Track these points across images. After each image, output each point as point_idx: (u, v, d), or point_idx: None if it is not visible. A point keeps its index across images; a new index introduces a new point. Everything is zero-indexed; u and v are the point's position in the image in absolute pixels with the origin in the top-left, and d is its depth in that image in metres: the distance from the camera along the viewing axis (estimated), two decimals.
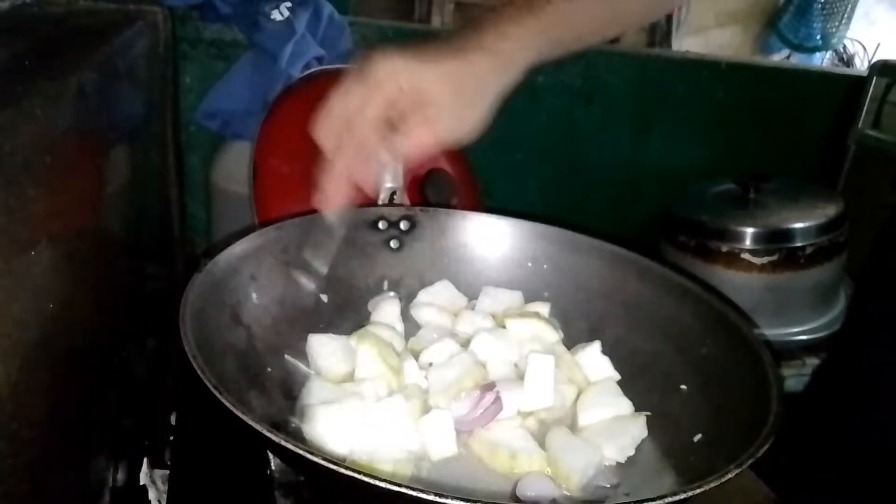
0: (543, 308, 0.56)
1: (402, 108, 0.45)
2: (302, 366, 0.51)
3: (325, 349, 0.49)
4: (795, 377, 0.97)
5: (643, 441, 0.47)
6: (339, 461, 0.33)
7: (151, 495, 0.52)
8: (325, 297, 0.56)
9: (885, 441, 0.60)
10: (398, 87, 0.45)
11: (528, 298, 0.59)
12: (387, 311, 0.55)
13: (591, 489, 0.43)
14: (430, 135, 0.46)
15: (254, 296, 0.51)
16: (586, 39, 0.54)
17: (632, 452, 0.46)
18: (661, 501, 0.33)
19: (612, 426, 0.47)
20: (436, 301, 0.57)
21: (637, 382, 0.52)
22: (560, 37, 0.50)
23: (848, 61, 2.09)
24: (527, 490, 0.42)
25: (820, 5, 1.94)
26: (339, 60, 0.90)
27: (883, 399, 0.60)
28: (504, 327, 0.54)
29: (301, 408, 0.46)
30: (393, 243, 0.60)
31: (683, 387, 0.49)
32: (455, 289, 0.59)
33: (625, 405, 0.49)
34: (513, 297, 0.58)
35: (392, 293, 0.58)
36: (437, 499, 0.31)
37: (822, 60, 2.08)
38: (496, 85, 0.47)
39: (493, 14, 0.48)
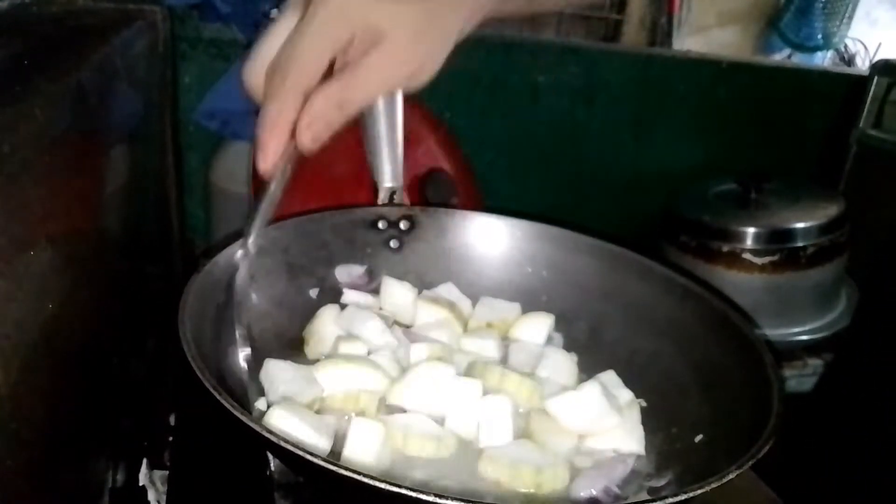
0: (546, 319, 0.56)
1: (351, 47, 0.40)
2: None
3: (283, 375, 0.47)
4: (797, 377, 0.97)
5: (644, 442, 0.47)
6: (338, 462, 0.33)
7: (151, 496, 0.52)
8: (323, 298, 0.56)
9: (888, 443, 0.60)
10: (347, 21, 0.39)
11: (528, 299, 0.59)
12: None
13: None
14: (381, 77, 0.41)
15: (253, 296, 0.51)
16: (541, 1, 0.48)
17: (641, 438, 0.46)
18: (661, 502, 0.33)
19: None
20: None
21: (637, 383, 0.51)
22: None
23: (849, 61, 2.08)
24: (580, 490, 0.42)
25: (821, 5, 1.94)
26: None
27: (888, 402, 0.60)
28: (505, 338, 0.55)
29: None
30: (393, 243, 0.60)
31: (684, 387, 0.49)
32: (459, 291, 0.59)
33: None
34: (510, 308, 0.57)
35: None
36: (437, 499, 0.31)
37: (824, 60, 2.07)
38: (451, 25, 0.42)
39: None
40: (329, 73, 0.40)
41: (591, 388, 0.46)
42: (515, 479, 0.42)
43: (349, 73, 0.40)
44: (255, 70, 0.41)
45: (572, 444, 0.46)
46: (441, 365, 0.47)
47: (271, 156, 0.41)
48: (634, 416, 0.48)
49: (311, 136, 0.41)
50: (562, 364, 0.52)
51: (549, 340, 0.56)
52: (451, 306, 0.56)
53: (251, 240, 0.44)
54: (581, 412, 0.46)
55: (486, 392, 0.46)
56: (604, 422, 0.46)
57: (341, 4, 0.39)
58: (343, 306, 0.55)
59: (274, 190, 0.43)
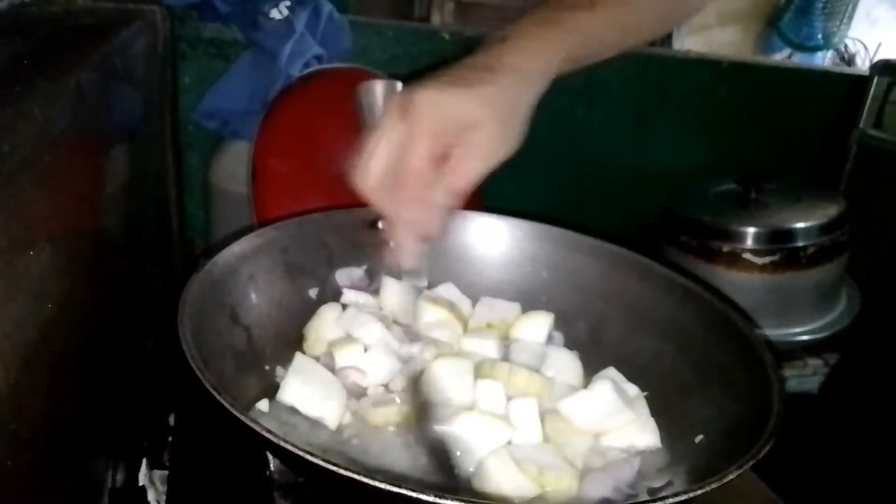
0: (545, 318, 0.56)
1: (448, 140, 0.44)
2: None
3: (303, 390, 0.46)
4: (797, 378, 0.96)
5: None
6: (337, 462, 0.33)
7: (150, 496, 0.52)
8: (323, 298, 0.56)
9: (889, 444, 0.59)
10: (441, 120, 0.44)
11: (529, 299, 0.58)
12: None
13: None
14: (478, 162, 0.45)
15: (253, 296, 0.50)
16: (605, 52, 0.54)
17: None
18: (661, 502, 0.33)
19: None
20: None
21: (637, 383, 0.51)
22: (581, 50, 0.50)
23: (849, 61, 2.08)
24: (591, 493, 0.42)
25: (821, 5, 1.94)
26: (338, 59, 0.90)
27: (889, 402, 0.60)
28: (506, 338, 0.55)
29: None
30: (393, 243, 0.60)
31: (684, 387, 0.49)
32: (459, 291, 0.58)
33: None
34: (510, 308, 0.57)
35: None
36: (438, 499, 0.31)
37: (824, 60, 2.07)
38: (527, 102, 0.47)
39: (513, 28, 0.48)
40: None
41: (603, 387, 0.46)
42: (516, 476, 0.42)
43: (455, 165, 0.45)
44: (370, 177, 0.44)
45: (588, 444, 0.46)
46: (458, 360, 0.48)
47: (413, 255, 0.47)
48: (644, 409, 0.48)
49: (439, 226, 0.46)
50: (567, 363, 0.52)
51: (550, 339, 0.56)
52: (451, 306, 0.56)
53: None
54: (595, 411, 0.46)
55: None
56: (618, 418, 0.46)
57: (435, 105, 0.44)
58: (344, 306, 0.55)
59: (420, 274, 0.51)
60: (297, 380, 0.46)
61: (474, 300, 0.59)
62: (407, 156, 0.44)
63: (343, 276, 0.57)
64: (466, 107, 0.44)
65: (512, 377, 0.48)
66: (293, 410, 0.46)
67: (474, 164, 0.45)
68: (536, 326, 0.55)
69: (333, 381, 0.47)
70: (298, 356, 0.48)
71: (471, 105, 0.44)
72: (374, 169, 0.44)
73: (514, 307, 0.57)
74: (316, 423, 0.46)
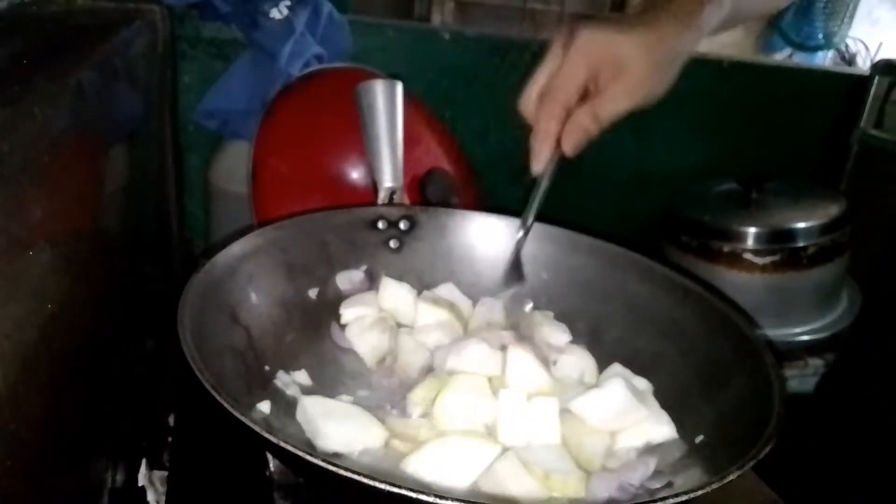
0: (546, 317, 0.55)
1: (601, 74, 0.49)
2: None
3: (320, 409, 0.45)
4: (798, 378, 0.96)
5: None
6: (338, 463, 0.33)
7: (150, 496, 0.52)
8: (323, 298, 0.56)
9: (889, 444, 0.59)
10: (598, 54, 0.49)
11: (529, 299, 0.58)
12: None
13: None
14: (626, 98, 0.50)
15: (252, 296, 0.50)
16: (762, 8, 0.57)
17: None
18: (661, 502, 0.33)
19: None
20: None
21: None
22: (741, 4, 0.53)
23: (850, 60, 2.08)
24: (599, 492, 0.41)
25: (822, 4, 1.94)
26: (338, 59, 0.90)
27: (888, 402, 0.59)
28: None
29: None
30: (392, 243, 0.60)
31: (685, 387, 0.49)
32: (459, 291, 0.58)
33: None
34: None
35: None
36: (437, 500, 0.31)
37: (825, 60, 2.07)
38: (683, 51, 0.51)
39: None
40: (585, 94, 0.51)
41: (615, 384, 0.46)
42: (526, 482, 0.41)
43: (600, 97, 0.50)
44: (529, 98, 0.52)
45: (605, 444, 0.46)
46: (476, 378, 0.47)
47: (543, 160, 0.53)
48: (655, 403, 0.48)
49: (573, 143, 0.52)
50: (580, 360, 0.52)
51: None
52: (451, 307, 0.56)
53: (529, 221, 0.56)
54: (608, 409, 0.46)
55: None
56: (632, 416, 0.46)
57: (589, 42, 0.49)
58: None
59: (545, 184, 0.55)
60: (331, 424, 0.43)
61: (475, 300, 0.59)
62: (558, 78, 0.50)
63: (344, 279, 0.57)
64: (623, 47, 0.49)
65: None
66: (294, 411, 0.46)
67: (621, 98, 0.50)
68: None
69: (353, 408, 0.46)
70: (304, 399, 0.46)
71: (627, 46, 0.49)
72: (531, 89, 0.51)
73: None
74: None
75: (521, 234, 0.57)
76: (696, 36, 0.51)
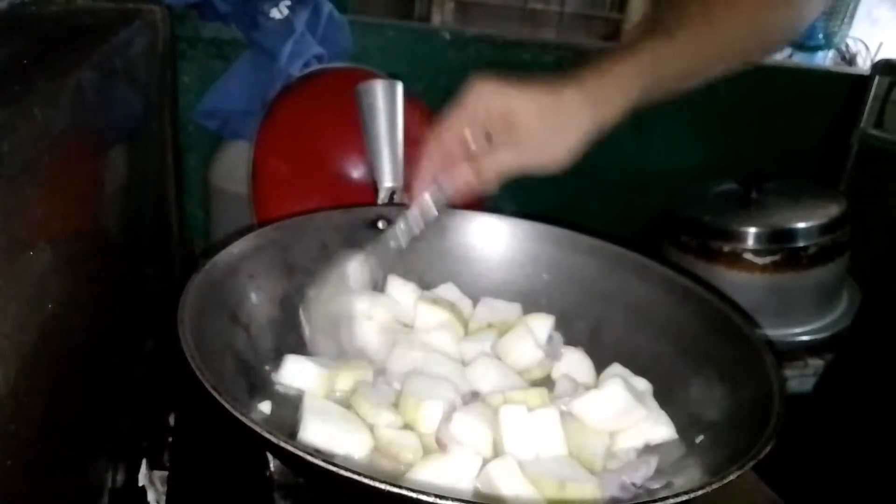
0: (546, 319, 0.55)
1: (494, 130, 0.48)
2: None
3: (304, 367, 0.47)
4: (798, 378, 0.96)
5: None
6: (337, 463, 0.33)
7: (150, 496, 0.52)
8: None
9: (889, 443, 0.59)
10: (486, 109, 0.47)
11: (529, 299, 0.58)
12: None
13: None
14: (514, 158, 0.48)
15: (252, 296, 0.50)
16: (692, 79, 0.53)
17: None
18: (662, 502, 0.33)
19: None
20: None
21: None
22: (661, 77, 0.50)
23: (850, 60, 2.08)
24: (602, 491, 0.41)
25: None
26: (338, 59, 0.90)
27: (888, 402, 0.59)
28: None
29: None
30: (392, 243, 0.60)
31: (685, 388, 0.49)
32: (459, 291, 0.58)
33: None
34: (510, 309, 0.57)
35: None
36: (437, 499, 0.31)
37: (825, 59, 2.07)
38: (587, 121, 0.48)
39: (597, 55, 0.50)
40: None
41: (614, 385, 0.46)
42: (522, 487, 0.41)
43: (489, 153, 0.49)
44: (429, 144, 0.50)
45: (605, 444, 0.46)
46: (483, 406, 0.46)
47: (415, 197, 0.51)
48: (654, 403, 0.48)
49: (453, 192, 0.50)
50: (578, 362, 0.52)
51: (549, 340, 0.56)
52: (451, 307, 0.56)
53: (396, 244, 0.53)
54: (608, 410, 0.46)
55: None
56: (631, 416, 0.46)
57: (477, 95, 0.48)
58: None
59: (416, 218, 0.52)
60: (317, 420, 0.44)
61: (475, 301, 0.59)
62: (442, 127, 0.49)
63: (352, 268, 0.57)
64: (513, 104, 0.47)
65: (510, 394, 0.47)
66: (294, 411, 0.46)
67: (507, 157, 0.48)
68: (537, 327, 0.55)
69: (350, 413, 0.46)
70: (308, 396, 0.46)
71: (517, 106, 0.47)
72: (432, 136, 0.49)
73: (515, 308, 0.57)
74: None
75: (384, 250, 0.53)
76: (603, 108, 0.48)
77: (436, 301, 0.56)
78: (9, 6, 0.56)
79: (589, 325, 0.57)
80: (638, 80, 0.49)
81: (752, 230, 0.96)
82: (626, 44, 0.51)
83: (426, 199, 0.51)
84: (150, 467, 0.54)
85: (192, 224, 0.98)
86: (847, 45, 2.09)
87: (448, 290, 0.58)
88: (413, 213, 0.51)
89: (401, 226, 0.52)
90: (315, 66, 0.87)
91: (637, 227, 1.07)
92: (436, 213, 0.51)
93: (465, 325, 0.56)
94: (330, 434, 0.43)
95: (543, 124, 0.47)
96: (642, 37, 0.50)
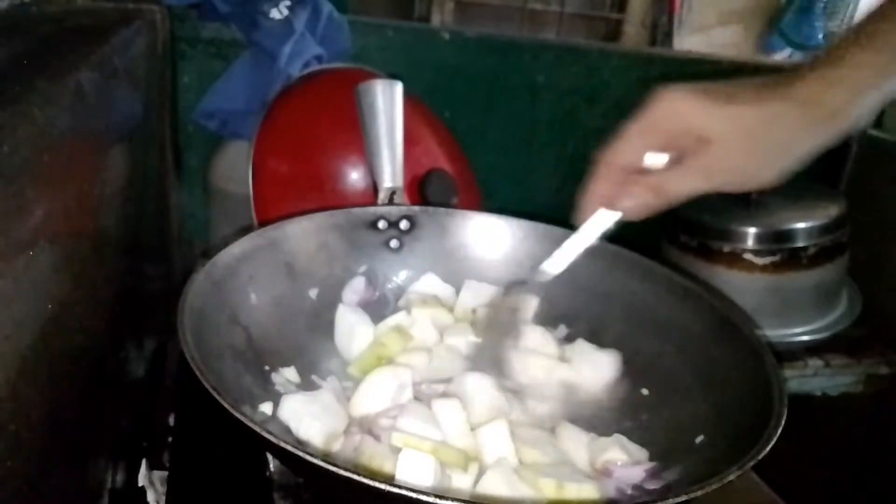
0: (531, 301, 0.56)
1: (683, 146, 0.42)
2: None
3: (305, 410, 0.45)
4: (798, 378, 0.96)
5: (644, 442, 0.47)
6: (337, 463, 0.33)
7: (150, 497, 0.52)
8: (323, 298, 0.56)
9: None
10: (675, 123, 0.42)
11: None
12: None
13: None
14: (701, 179, 0.42)
15: (252, 296, 0.50)
16: None
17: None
18: (662, 502, 0.33)
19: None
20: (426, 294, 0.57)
21: (638, 383, 0.51)
22: None
23: None
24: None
25: (822, 5, 1.93)
26: (338, 59, 0.90)
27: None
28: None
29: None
30: (393, 243, 0.60)
31: (685, 388, 0.49)
32: (439, 279, 0.58)
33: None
34: (495, 292, 0.57)
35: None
36: (437, 500, 0.31)
37: None
38: (807, 141, 0.41)
39: (819, 54, 0.42)
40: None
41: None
42: (519, 489, 0.41)
43: (673, 170, 0.43)
44: (607, 149, 0.45)
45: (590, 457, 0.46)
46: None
47: (584, 216, 0.47)
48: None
49: (628, 210, 0.45)
50: (539, 338, 0.52)
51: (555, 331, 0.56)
52: (436, 300, 0.57)
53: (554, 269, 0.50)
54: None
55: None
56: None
57: (666, 108, 0.42)
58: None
59: (583, 238, 0.49)
60: (299, 398, 0.44)
61: (457, 288, 0.59)
62: (621, 140, 0.44)
63: (348, 292, 0.57)
64: (709, 123, 0.41)
65: None
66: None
67: (694, 177, 0.42)
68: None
69: (336, 408, 0.45)
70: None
71: (707, 121, 0.41)
72: (613, 142, 0.44)
73: (499, 291, 0.58)
74: None
75: (541, 278, 0.50)
76: (831, 123, 0.41)
77: (424, 302, 0.56)
78: (9, 6, 0.56)
79: (589, 326, 0.57)
80: (881, 82, 0.40)
81: (752, 230, 0.96)
82: (855, 30, 0.41)
83: (593, 222, 0.47)
84: (150, 467, 0.54)
85: (192, 224, 0.97)
86: None
87: (429, 281, 0.58)
88: (575, 237, 0.48)
89: (564, 249, 0.48)
90: (315, 67, 0.87)
91: (637, 227, 1.07)
92: (601, 235, 0.47)
93: (451, 308, 0.57)
94: (297, 414, 0.43)
95: (747, 147, 0.41)
96: (877, 18, 0.40)
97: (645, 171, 0.44)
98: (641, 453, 0.46)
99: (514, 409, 0.48)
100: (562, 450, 0.46)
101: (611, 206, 0.45)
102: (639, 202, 0.44)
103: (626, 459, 0.45)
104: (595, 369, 0.52)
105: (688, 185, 0.43)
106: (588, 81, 1.14)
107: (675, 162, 0.43)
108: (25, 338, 0.31)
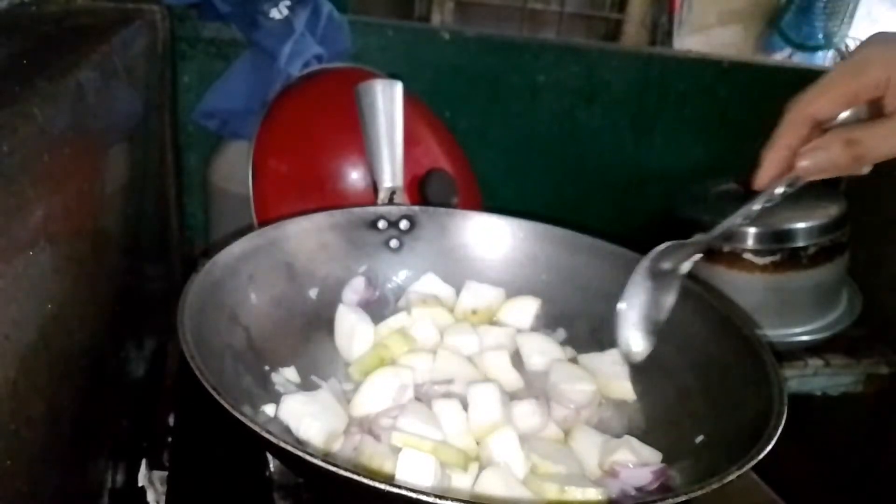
0: (532, 302, 0.56)
1: (889, 101, 0.37)
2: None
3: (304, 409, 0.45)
4: (797, 378, 0.96)
5: (645, 442, 0.47)
6: (337, 463, 0.33)
7: (150, 497, 0.52)
8: (322, 298, 0.56)
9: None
10: (882, 73, 0.37)
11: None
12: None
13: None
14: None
15: (252, 296, 0.50)
16: None
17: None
18: (662, 502, 0.33)
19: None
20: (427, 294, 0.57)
21: (638, 383, 0.51)
22: None
23: None
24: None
25: (822, 4, 1.94)
26: (338, 59, 0.90)
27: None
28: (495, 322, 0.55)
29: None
30: (393, 243, 0.60)
31: (685, 388, 0.49)
32: (439, 279, 0.58)
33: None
34: (495, 293, 0.57)
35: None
36: (437, 500, 0.31)
37: (825, 59, 2.07)
38: None
39: None
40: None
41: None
42: (517, 490, 0.41)
43: (876, 126, 0.38)
44: (796, 100, 0.42)
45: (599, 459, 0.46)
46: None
47: (766, 176, 0.43)
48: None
49: (808, 164, 0.40)
50: (542, 344, 0.52)
51: (554, 334, 0.55)
52: (436, 300, 0.57)
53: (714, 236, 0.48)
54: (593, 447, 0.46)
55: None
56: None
57: (878, 51, 0.38)
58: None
59: (759, 204, 0.44)
60: (299, 398, 0.44)
61: (458, 289, 0.59)
62: (818, 87, 0.40)
63: (348, 292, 0.57)
64: None
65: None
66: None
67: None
68: (522, 311, 0.55)
69: (336, 408, 0.46)
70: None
71: None
72: (796, 104, 0.41)
73: (499, 292, 0.58)
74: None
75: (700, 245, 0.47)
76: None
77: (424, 301, 0.56)
78: (9, 6, 0.56)
79: (589, 325, 0.57)
80: None
81: (752, 230, 0.96)
82: None
83: (776, 182, 0.42)
84: (150, 467, 0.54)
85: (192, 224, 0.98)
86: (847, 46, 2.09)
87: (429, 282, 0.58)
88: (760, 197, 0.43)
89: (747, 209, 0.44)
90: (315, 66, 0.87)
91: (637, 226, 1.07)
92: (783, 194, 0.42)
93: (451, 309, 0.57)
94: (298, 415, 0.43)
95: None
96: None
97: (836, 129, 0.39)
98: (654, 455, 0.46)
99: (529, 414, 0.48)
100: (574, 452, 0.46)
101: (797, 160, 0.40)
102: (828, 159, 0.39)
103: (634, 461, 0.45)
104: (611, 375, 0.52)
105: (887, 145, 0.38)
106: (588, 81, 1.14)
107: (875, 117, 0.38)
108: (25, 337, 0.31)
